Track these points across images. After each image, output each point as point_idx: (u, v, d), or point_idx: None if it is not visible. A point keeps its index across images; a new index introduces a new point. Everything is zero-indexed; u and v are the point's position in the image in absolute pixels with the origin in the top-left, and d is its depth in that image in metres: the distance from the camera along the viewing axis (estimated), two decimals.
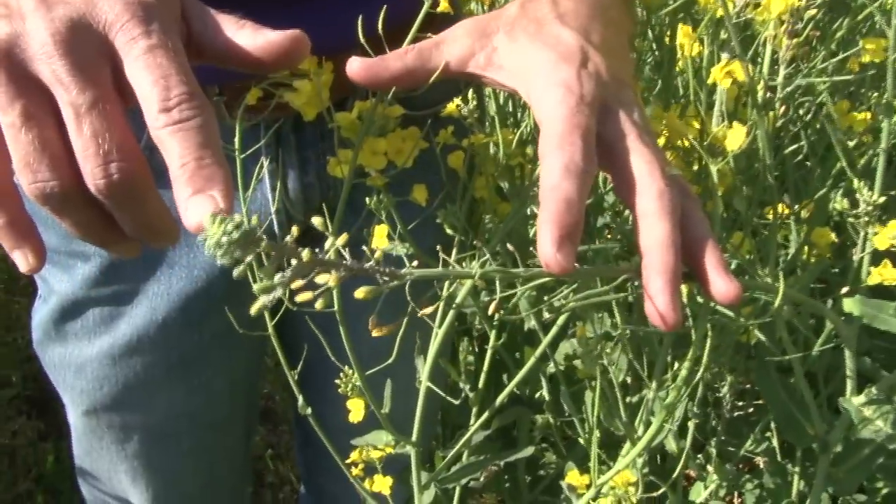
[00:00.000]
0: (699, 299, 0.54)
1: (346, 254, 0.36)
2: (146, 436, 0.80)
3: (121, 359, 0.73)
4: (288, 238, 0.34)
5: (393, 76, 0.47)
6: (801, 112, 0.76)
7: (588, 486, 0.65)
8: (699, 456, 0.95)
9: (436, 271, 0.40)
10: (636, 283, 0.47)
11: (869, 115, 0.67)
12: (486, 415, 0.75)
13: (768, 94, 0.55)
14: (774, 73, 0.56)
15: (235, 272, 0.33)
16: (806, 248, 0.70)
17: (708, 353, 0.58)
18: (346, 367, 0.65)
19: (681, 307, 0.39)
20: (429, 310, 0.44)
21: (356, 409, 0.67)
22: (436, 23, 0.53)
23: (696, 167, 0.55)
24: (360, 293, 0.36)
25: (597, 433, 0.67)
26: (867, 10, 0.67)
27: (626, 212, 0.87)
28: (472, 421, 0.81)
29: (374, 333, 0.43)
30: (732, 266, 0.65)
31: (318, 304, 0.36)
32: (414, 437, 0.67)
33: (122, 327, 0.71)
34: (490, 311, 0.46)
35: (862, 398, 0.62)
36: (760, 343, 0.72)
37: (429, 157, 0.62)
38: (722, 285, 0.40)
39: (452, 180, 0.66)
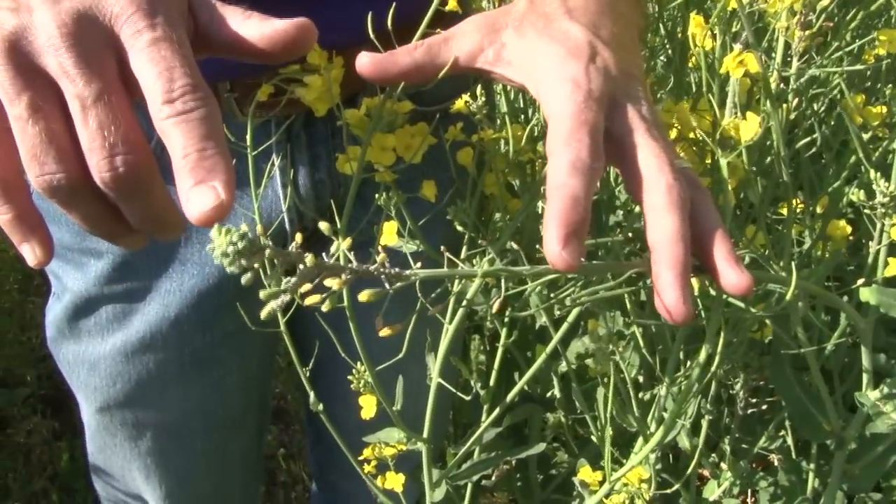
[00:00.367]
0: (711, 293, 0.54)
1: (352, 256, 0.36)
2: (159, 433, 0.80)
3: (134, 356, 0.73)
4: (293, 245, 0.35)
5: (402, 71, 0.47)
6: (815, 106, 0.76)
7: (601, 483, 0.65)
8: (713, 454, 0.94)
9: (441, 271, 0.40)
10: (647, 280, 0.47)
11: (884, 108, 0.66)
12: (497, 411, 0.75)
13: (781, 86, 0.54)
14: (787, 65, 0.55)
15: (243, 280, 0.33)
16: (820, 243, 0.69)
17: (721, 350, 0.57)
18: (358, 364, 0.65)
19: (692, 301, 0.39)
20: (438, 308, 0.44)
21: (368, 406, 0.67)
22: (445, 20, 0.53)
23: (708, 160, 0.55)
24: (363, 296, 0.37)
25: (609, 430, 0.66)
26: (880, 0, 0.67)
27: (638, 208, 0.87)
28: (483, 418, 0.81)
29: (382, 333, 0.43)
30: (746, 260, 0.64)
31: (325, 307, 0.36)
32: (425, 434, 0.67)
33: (135, 324, 0.72)
34: (495, 310, 0.46)
35: (877, 393, 0.62)
36: (775, 339, 0.72)
37: (438, 153, 0.62)
38: (733, 276, 0.40)
39: (462, 177, 0.66)
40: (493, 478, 1.28)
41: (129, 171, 0.36)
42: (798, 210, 0.68)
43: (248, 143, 0.59)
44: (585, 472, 0.68)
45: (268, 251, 0.33)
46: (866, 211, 0.55)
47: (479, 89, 0.62)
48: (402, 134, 0.55)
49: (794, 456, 0.91)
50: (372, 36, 0.51)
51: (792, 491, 0.85)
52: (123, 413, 0.78)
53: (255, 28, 0.42)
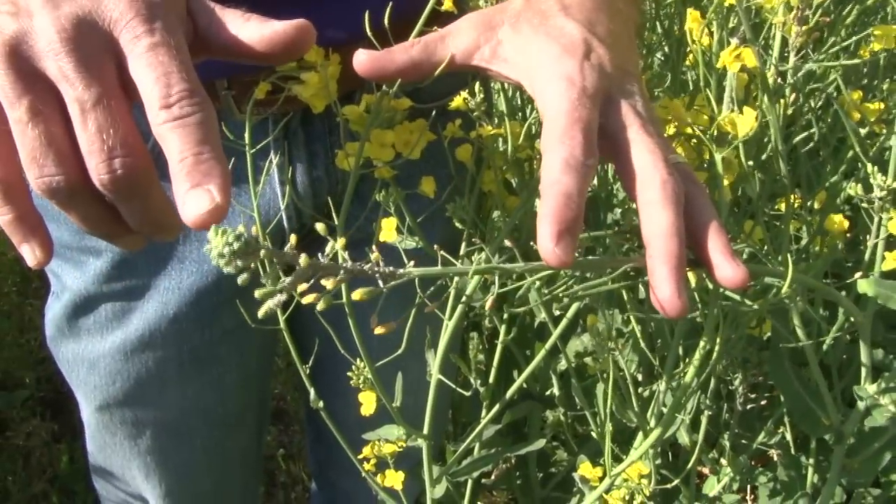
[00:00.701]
0: (709, 288, 0.54)
1: (346, 256, 0.36)
2: (159, 431, 0.80)
3: (133, 354, 0.73)
4: (288, 246, 0.35)
5: (398, 69, 0.47)
6: (812, 103, 0.76)
7: (601, 479, 0.65)
8: (712, 450, 0.94)
9: (434, 269, 0.41)
10: (645, 277, 0.47)
11: (881, 104, 0.67)
12: (496, 408, 0.75)
13: (778, 81, 0.55)
14: (784, 61, 0.55)
15: (240, 280, 0.34)
16: (818, 238, 0.69)
17: (720, 345, 0.57)
18: (358, 360, 0.65)
19: (687, 295, 0.39)
20: (434, 305, 0.44)
21: (368, 403, 0.67)
22: (441, 18, 0.54)
23: (706, 156, 0.55)
24: (356, 294, 0.37)
25: (609, 426, 0.66)
26: None
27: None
28: (483, 415, 0.81)
29: (377, 331, 0.44)
30: (745, 255, 0.64)
31: (320, 305, 0.36)
32: (425, 430, 0.67)
33: (134, 322, 0.72)
34: (487, 307, 0.46)
35: (875, 387, 0.62)
36: (774, 334, 0.72)
37: (437, 150, 0.62)
38: (728, 270, 0.40)
39: (461, 174, 0.66)
40: (493, 476, 1.28)
41: (126, 173, 0.37)
42: (796, 206, 0.68)
43: (247, 140, 0.59)
44: (585, 469, 0.68)
45: (263, 251, 0.33)
46: (864, 205, 0.55)
47: (477, 86, 0.62)
48: (400, 130, 0.56)
49: (793, 451, 0.91)
50: (369, 33, 0.51)
51: (791, 486, 0.85)
52: (123, 411, 0.78)
53: (255, 30, 0.42)
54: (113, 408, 0.77)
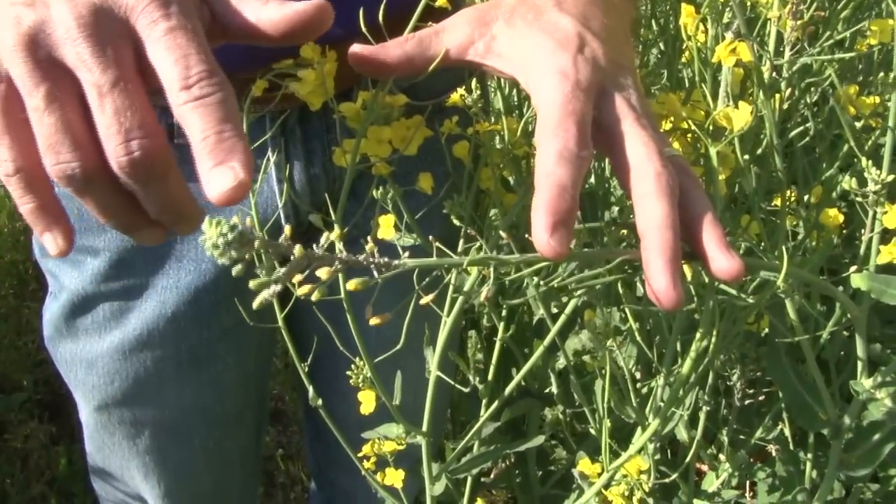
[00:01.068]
0: (705, 282, 0.54)
1: (342, 247, 0.36)
2: (158, 431, 0.80)
3: (131, 353, 0.73)
4: (282, 238, 0.35)
5: (393, 63, 0.47)
6: (807, 98, 0.76)
7: (600, 475, 0.65)
8: (711, 447, 0.94)
9: (429, 261, 0.41)
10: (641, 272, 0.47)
11: (877, 99, 0.67)
12: (496, 404, 0.75)
13: (774, 75, 0.55)
14: (780, 55, 0.56)
15: (234, 271, 0.34)
16: (814, 234, 0.69)
17: (717, 339, 0.58)
18: (357, 359, 0.65)
19: (682, 287, 0.39)
20: (430, 297, 0.44)
21: (367, 401, 0.67)
22: (436, 14, 0.54)
23: (703, 150, 0.55)
24: (351, 284, 0.37)
25: (608, 422, 0.66)
26: None
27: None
28: (482, 413, 0.81)
29: (372, 322, 0.44)
30: (741, 250, 0.64)
31: (315, 296, 0.36)
32: (425, 427, 0.67)
33: (132, 322, 0.72)
34: (482, 298, 0.47)
35: (872, 381, 0.62)
36: (771, 329, 0.72)
37: (433, 148, 0.62)
38: (724, 262, 0.40)
39: (458, 171, 0.66)
40: (492, 475, 1.29)
41: (144, 155, 0.37)
42: (792, 201, 0.68)
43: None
44: (585, 465, 0.68)
45: (257, 242, 0.33)
46: (858, 199, 0.56)
47: (474, 83, 0.63)
48: (398, 126, 0.56)
49: (791, 447, 0.91)
50: (364, 30, 0.51)
51: (790, 482, 0.85)
52: (121, 411, 0.78)
53: (276, 12, 0.42)
54: (111, 408, 0.77)
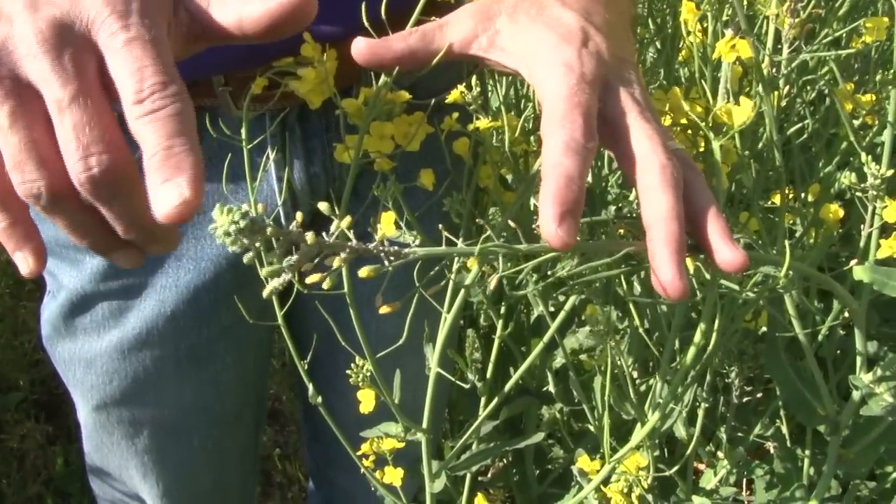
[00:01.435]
0: (706, 277, 0.54)
1: (352, 236, 0.36)
2: (157, 430, 0.80)
3: (130, 352, 0.73)
4: (293, 224, 0.35)
5: (396, 57, 0.47)
6: (805, 95, 0.77)
7: (598, 470, 0.65)
8: (709, 444, 0.95)
9: (439, 249, 0.41)
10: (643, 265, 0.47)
11: (874, 96, 0.67)
12: (494, 403, 0.75)
13: (772, 72, 0.55)
14: (778, 52, 0.56)
15: (245, 258, 0.34)
16: (813, 229, 0.70)
17: (716, 335, 0.58)
18: (357, 358, 0.65)
19: (687, 278, 0.40)
20: (437, 287, 0.44)
21: (367, 400, 0.67)
22: (438, 9, 0.54)
23: (702, 146, 0.55)
24: (363, 272, 0.37)
25: (607, 418, 0.67)
26: None
27: (632, 196, 0.87)
28: (480, 411, 0.81)
29: (381, 311, 0.44)
30: (741, 244, 0.65)
31: (326, 284, 0.36)
32: (424, 424, 0.67)
33: (131, 321, 0.72)
34: (491, 287, 0.47)
35: (870, 376, 0.62)
36: (770, 324, 0.72)
37: (434, 146, 0.62)
38: (728, 253, 0.41)
39: (458, 168, 0.66)
40: (490, 474, 1.29)
41: (104, 171, 0.36)
42: (790, 197, 0.69)
43: (244, 136, 0.59)
44: (584, 462, 0.68)
45: (269, 229, 0.33)
46: (858, 194, 0.56)
47: (473, 80, 0.63)
48: (400, 122, 0.56)
49: (789, 445, 0.91)
50: (367, 25, 0.52)
51: (787, 479, 0.85)
52: (120, 411, 0.77)
53: (260, 6, 0.42)
54: (110, 407, 0.77)
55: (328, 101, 0.55)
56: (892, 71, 0.58)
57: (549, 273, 0.60)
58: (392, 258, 0.37)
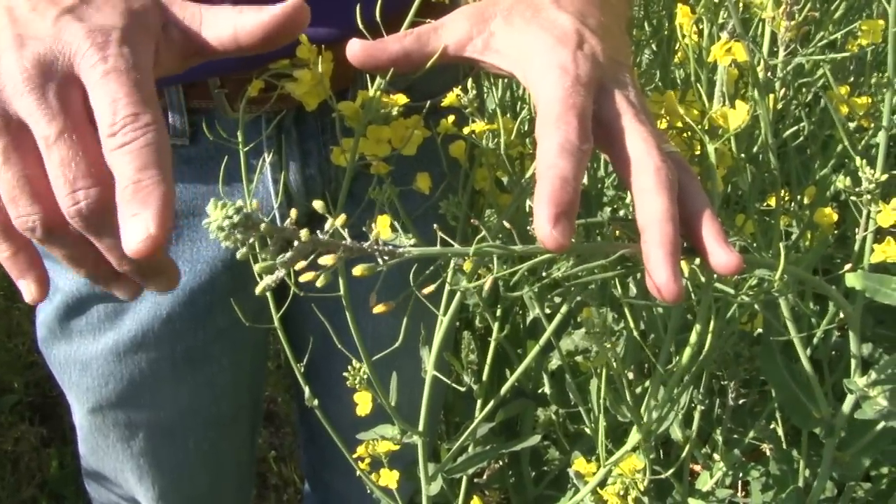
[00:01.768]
0: (701, 280, 0.54)
1: (347, 234, 0.36)
2: (152, 433, 0.79)
3: (126, 355, 0.73)
4: (288, 221, 0.35)
5: (391, 58, 0.47)
6: (800, 98, 0.77)
7: (594, 473, 0.65)
8: (705, 446, 0.95)
9: (435, 249, 0.41)
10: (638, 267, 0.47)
11: (869, 99, 0.67)
12: (490, 405, 0.75)
13: (768, 75, 0.55)
14: (773, 55, 0.56)
15: (238, 254, 0.33)
16: (808, 233, 0.70)
17: (712, 336, 0.58)
18: (354, 361, 0.65)
19: (682, 279, 0.40)
20: (431, 287, 0.44)
21: (363, 403, 0.67)
22: (433, 11, 0.54)
23: (697, 150, 0.56)
24: (357, 270, 0.37)
25: (603, 421, 0.67)
26: None
27: (628, 198, 0.88)
28: (476, 413, 0.81)
29: (376, 310, 0.44)
30: (736, 247, 0.65)
31: (320, 282, 0.36)
32: (421, 426, 0.67)
33: (126, 323, 0.71)
34: (487, 287, 0.47)
35: (865, 379, 0.62)
36: (765, 327, 0.73)
37: (429, 149, 0.62)
38: (722, 256, 0.41)
39: (454, 171, 0.66)
40: (485, 476, 1.29)
41: (90, 204, 0.37)
42: (786, 200, 0.69)
43: (240, 139, 0.59)
44: (580, 464, 0.68)
45: (263, 226, 0.33)
46: (852, 198, 0.56)
47: (469, 83, 0.63)
48: (397, 126, 0.56)
49: (784, 447, 0.91)
50: (361, 27, 0.52)
51: (783, 480, 0.86)
52: (116, 413, 0.77)
53: (254, 18, 0.42)
54: (106, 409, 0.77)
55: (324, 104, 0.55)
56: (886, 74, 0.58)
57: (542, 276, 0.60)
58: (387, 258, 0.37)
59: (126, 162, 0.37)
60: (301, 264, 0.35)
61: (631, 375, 0.89)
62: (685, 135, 0.54)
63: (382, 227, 0.62)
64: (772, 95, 0.58)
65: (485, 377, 0.82)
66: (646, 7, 0.91)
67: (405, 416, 0.69)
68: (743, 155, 0.59)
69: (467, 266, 0.59)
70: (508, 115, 0.95)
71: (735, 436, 0.93)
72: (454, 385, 0.71)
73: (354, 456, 0.73)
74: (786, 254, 0.48)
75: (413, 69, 0.48)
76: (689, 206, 0.42)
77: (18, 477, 1.56)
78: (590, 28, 0.46)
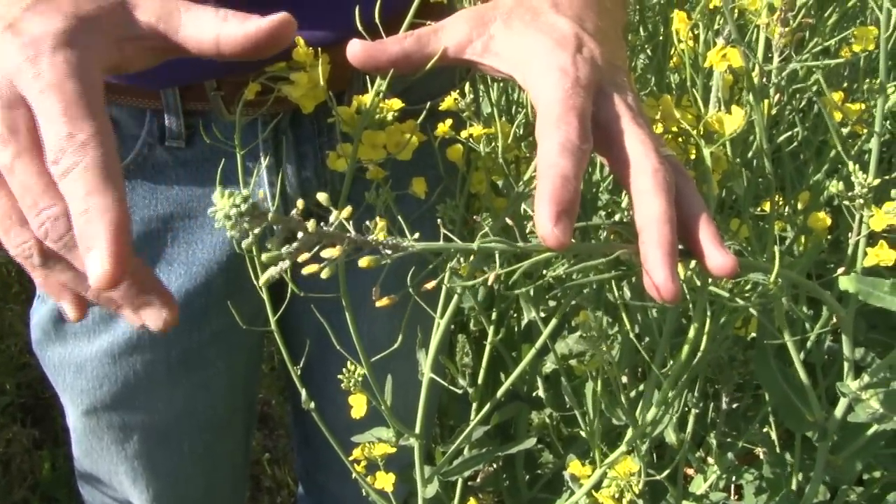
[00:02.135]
0: (696, 283, 0.55)
1: (350, 227, 0.36)
2: (147, 435, 0.79)
3: (121, 357, 0.73)
4: (294, 212, 0.35)
5: (391, 60, 0.47)
6: (794, 103, 0.77)
7: (589, 475, 0.65)
8: (699, 450, 0.95)
9: (438, 245, 0.41)
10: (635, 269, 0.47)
11: (863, 105, 0.68)
12: (486, 408, 0.75)
13: (763, 81, 0.56)
14: (768, 61, 0.56)
15: (244, 243, 0.33)
16: (802, 237, 0.70)
17: (706, 339, 0.58)
18: (349, 363, 0.65)
19: (679, 280, 0.40)
20: (430, 285, 0.44)
21: (358, 405, 0.67)
22: (432, 13, 0.54)
23: (692, 154, 0.56)
24: (364, 261, 0.37)
25: (598, 424, 0.67)
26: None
27: (624, 202, 0.88)
28: (472, 416, 0.82)
29: (378, 304, 0.44)
30: (731, 251, 0.65)
31: (325, 274, 0.36)
32: (417, 429, 0.67)
33: (121, 325, 0.71)
34: (490, 282, 0.47)
35: (858, 382, 0.63)
36: (759, 330, 0.73)
37: (426, 153, 0.63)
38: (718, 258, 0.41)
39: (451, 175, 0.66)
40: (479, 479, 1.29)
41: (54, 222, 0.37)
42: (780, 205, 0.69)
43: (236, 142, 0.59)
44: (575, 467, 0.68)
45: (270, 215, 0.33)
46: (846, 203, 0.56)
47: (467, 87, 0.63)
48: (392, 131, 0.56)
49: (777, 450, 0.92)
50: (360, 29, 0.52)
51: (776, 484, 0.86)
52: (110, 415, 0.77)
53: (238, 28, 0.42)
54: (100, 412, 0.77)
55: (320, 107, 0.55)
56: (878, 80, 0.59)
57: (539, 276, 0.60)
58: (389, 251, 0.37)
59: (72, 191, 0.36)
60: (304, 257, 0.35)
61: (625, 379, 0.89)
62: (680, 139, 0.55)
63: (379, 231, 0.62)
64: (766, 101, 0.59)
65: (480, 380, 0.82)
66: (641, 12, 0.91)
67: (400, 418, 0.69)
68: (738, 159, 0.60)
69: (464, 270, 0.59)
70: (504, 119, 0.95)
71: (729, 439, 0.94)
72: (451, 388, 0.71)
73: (351, 458, 0.73)
74: (780, 258, 0.48)
75: (413, 71, 0.48)
76: (685, 210, 0.43)
77: (10, 479, 1.56)
78: (588, 32, 0.46)
